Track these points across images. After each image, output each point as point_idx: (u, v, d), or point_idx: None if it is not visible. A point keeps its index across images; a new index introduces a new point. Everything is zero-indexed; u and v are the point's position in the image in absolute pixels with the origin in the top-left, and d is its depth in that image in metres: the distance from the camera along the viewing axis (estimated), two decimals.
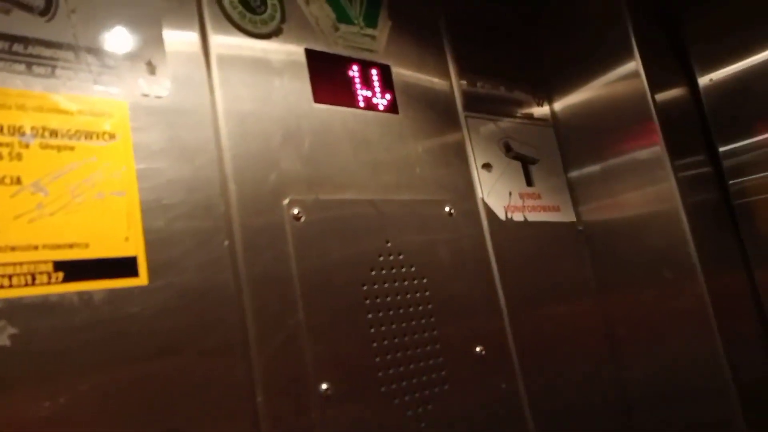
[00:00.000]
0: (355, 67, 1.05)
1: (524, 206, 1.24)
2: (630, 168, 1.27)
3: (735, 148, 1.29)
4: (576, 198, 1.36)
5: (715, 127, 1.32)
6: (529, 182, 1.28)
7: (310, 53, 1.00)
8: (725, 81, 1.31)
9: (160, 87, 0.83)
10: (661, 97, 1.25)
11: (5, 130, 0.71)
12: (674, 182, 1.19)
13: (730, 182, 1.29)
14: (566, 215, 1.32)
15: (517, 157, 1.27)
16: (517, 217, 1.22)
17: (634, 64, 1.25)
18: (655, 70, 1.26)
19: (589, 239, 1.33)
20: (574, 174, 1.37)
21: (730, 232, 1.28)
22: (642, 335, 1.26)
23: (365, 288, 0.95)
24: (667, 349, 1.22)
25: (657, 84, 1.25)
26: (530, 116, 1.35)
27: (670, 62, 1.36)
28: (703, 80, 1.35)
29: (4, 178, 0.69)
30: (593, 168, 1.34)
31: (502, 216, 1.19)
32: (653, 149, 1.22)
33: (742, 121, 1.28)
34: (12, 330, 0.66)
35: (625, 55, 1.27)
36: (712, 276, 1.16)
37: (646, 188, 1.24)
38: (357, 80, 1.05)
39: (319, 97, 0.99)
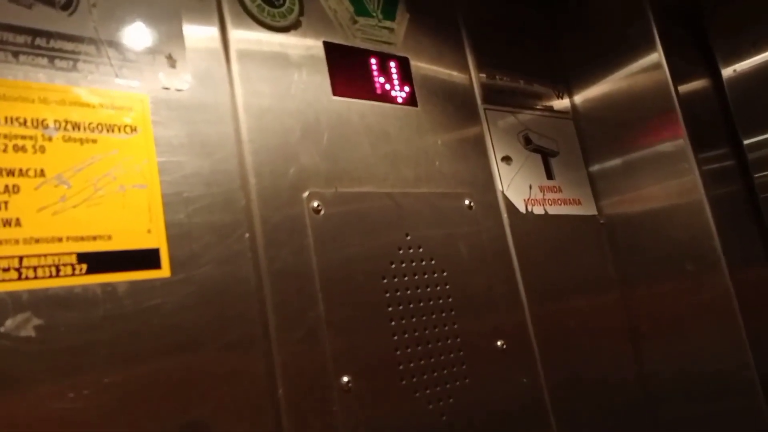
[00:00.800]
0: (373, 60, 1.05)
1: (545, 199, 1.22)
2: (652, 161, 1.25)
3: (760, 140, 1.26)
4: (597, 191, 1.34)
5: (740, 119, 1.29)
6: (550, 175, 1.26)
7: (328, 46, 1.00)
8: (750, 72, 1.28)
9: (180, 80, 0.84)
10: (684, 88, 1.23)
11: (29, 123, 0.71)
12: (698, 175, 1.17)
13: (756, 175, 1.26)
14: (587, 208, 1.30)
15: (537, 149, 1.26)
16: (538, 210, 1.20)
17: (656, 56, 1.23)
18: (678, 62, 1.24)
19: (611, 233, 1.31)
20: (595, 167, 1.35)
21: (754, 225, 1.25)
22: (665, 329, 1.24)
23: (385, 281, 0.94)
24: (691, 343, 1.20)
25: (680, 75, 1.23)
26: (550, 109, 1.34)
27: (692, 54, 1.33)
28: (727, 71, 1.32)
29: (28, 170, 0.70)
30: (614, 161, 1.32)
31: (522, 209, 1.18)
32: (676, 142, 1.20)
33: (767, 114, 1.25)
34: (37, 321, 0.66)
35: (646, 47, 1.25)
36: (736, 269, 1.14)
37: (669, 181, 1.22)
38: (375, 73, 1.04)
39: (337, 90, 0.99)
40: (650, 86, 1.24)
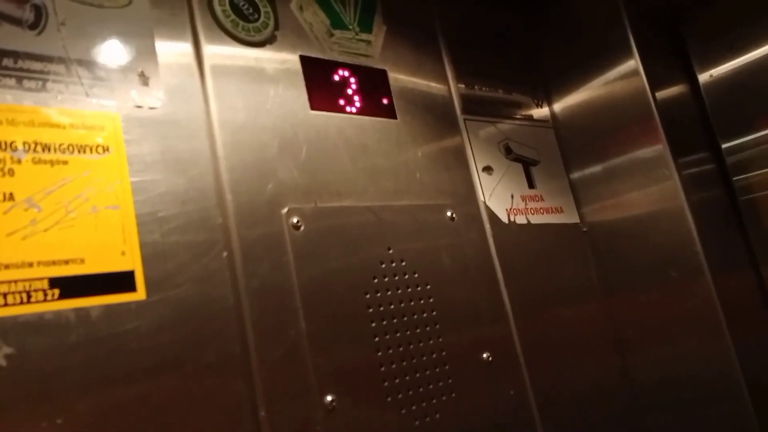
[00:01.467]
0: (350, 73, 1.04)
1: (527, 208, 1.22)
2: (633, 167, 1.25)
3: (738, 144, 1.27)
4: (579, 199, 1.34)
5: (717, 123, 1.30)
6: (531, 184, 1.26)
7: (305, 60, 0.99)
8: (726, 77, 1.30)
9: (153, 98, 0.82)
10: (661, 94, 1.24)
11: None
12: (678, 180, 1.17)
13: (735, 179, 1.27)
14: (570, 216, 1.30)
15: (518, 159, 1.25)
16: (520, 219, 1.20)
17: (633, 63, 1.23)
18: (655, 68, 1.25)
19: (594, 240, 1.31)
20: (576, 175, 1.35)
21: (736, 229, 1.26)
22: (651, 337, 1.24)
23: (368, 296, 0.93)
24: (677, 351, 1.19)
25: (657, 82, 1.24)
26: (530, 118, 1.34)
27: (669, 59, 1.35)
28: (704, 77, 1.34)
29: None
30: (595, 168, 1.32)
31: (504, 219, 1.17)
32: (655, 148, 1.20)
33: (744, 117, 1.26)
34: (7, 350, 0.64)
35: (623, 54, 1.25)
36: (719, 274, 1.14)
37: (650, 187, 1.22)
38: (353, 86, 1.04)
39: (315, 104, 0.98)
40: (628, 93, 1.25)
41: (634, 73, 1.23)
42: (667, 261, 1.19)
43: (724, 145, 1.29)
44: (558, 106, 1.39)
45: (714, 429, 1.15)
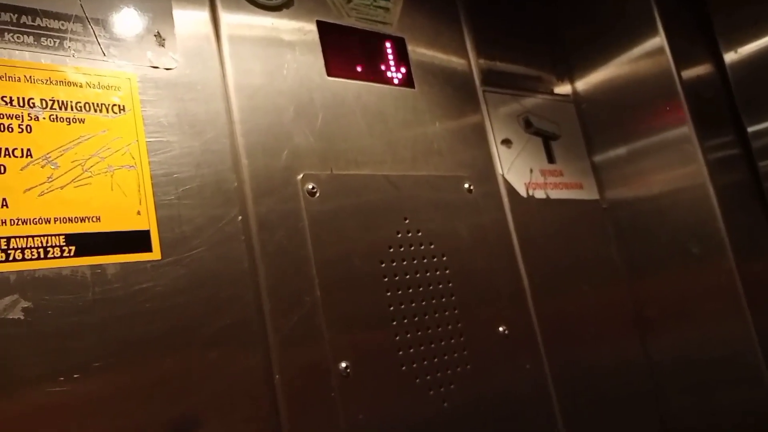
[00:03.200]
0: (368, 40, 1.02)
1: (546, 183, 1.20)
2: (656, 148, 1.22)
3: (764, 128, 1.22)
4: (600, 176, 1.31)
5: (743, 105, 1.25)
6: (551, 159, 1.24)
7: (322, 25, 0.98)
8: (752, 55, 1.25)
9: (169, 59, 0.82)
10: (687, 73, 1.20)
11: (15, 102, 0.69)
12: (703, 163, 1.14)
13: (760, 164, 1.23)
14: (589, 193, 1.28)
15: (538, 132, 1.23)
16: (539, 194, 1.18)
17: (659, 40, 1.20)
18: (681, 45, 1.21)
19: (615, 217, 1.29)
20: (597, 153, 1.33)
21: (760, 214, 1.22)
22: (671, 316, 1.22)
23: (383, 265, 0.92)
24: (698, 330, 1.17)
25: (682, 59, 1.20)
26: (551, 92, 1.32)
27: (695, 35, 1.30)
28: (729, 54, 1.28)
29: (14, 150, 0.68)
30: (618, 147, 1.30)
31: (523, 193, 1.15)
32: (681, 129, 1.17)
33: None
34: (25, 303, 0.64)
35: (648, 30, 1.22)
36: (742, 258, 1.12)
37: (674, 168, 1.20)
38: (371, 53, 1.02)
39: (332, 70, 0.97)
40: (653, 72, 1.22)
41: (659, 51, 1.20)
42: (689, 238, 1.17)
43: (749, 129, 1.24)
44: (580, 84, 1.36)
45: (733, 410, 1.13)
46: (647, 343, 1.24)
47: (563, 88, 1.35)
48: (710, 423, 1.17)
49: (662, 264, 1.23)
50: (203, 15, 0.88)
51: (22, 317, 0.64)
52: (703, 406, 1.18)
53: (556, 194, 1.21)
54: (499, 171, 1.13)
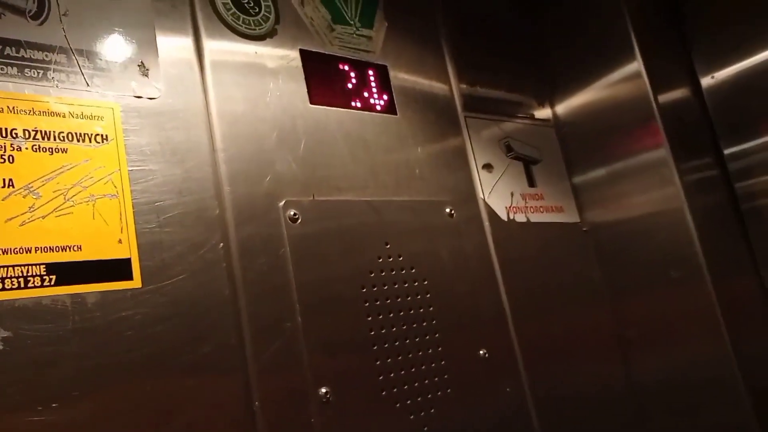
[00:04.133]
0: (351, 68, 1.04)
1: (527, 207, 1.22)
2: (634, 171, 1.25)
3: (740, 150, 1.25)
4: (580, 200, 1.33)
5: (720, 128, 1.28)
6: (531, 183, 1.26)
7: (305, 54, 1.00)
8: (729, 79, 1.28)
9: (152, 89, 0.83)
10: (664, 98, 1.23)
11: None
12: (680, 185, 1.16)
13: (736, 185, 1.25)
14: (570, 216, 1.30)
15: (519, 157, 1.25)
16: (520, 217, 1.20)
17: (636, 65, 1.23)
18: (658, 70, 1.24)
19: (595, 240, 1.31)
20: (577, 176, 1.35)
21: (738, 236, 1.24)
22: (652, 337, 1.23)
23: (364, 290, 0.93)
24: (678, 351, 1.19)
25: (660, 84, 1.23)
26: (531, 117, 1.34)
27: (672, 60, 1.33)
28: (706, 79, 1.31)
29: None
30: (597, 170, 1.32)
31: (504, 217, 1.17)
32: (658, 152, 1.19)
33: (748, 122, 1.24)
34: (4, 333, 0.65)
35: (626, 56, 1.25)
36: (720, 280, 1.13)
37: (652, 191, 1.22)
38: (353, 81, 1.04)
39: (315, 97, 0.98)
40: (631, 96, 1.24)
41: (636, 75, 1.23)
42: (668, 265, 1.18)
43: (726, 151, 1.27)
44: (560, 108, 1.39)
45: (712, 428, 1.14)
46: (629, 365, 1.26)
47: (544, 113, 1.38)
48: None
49: (642, 286, 1.25)
50: (187, 42, 0.90)
51: (0, 347, 0.64)
52: (686, 428, 1.19)
53: (536, 218, 1.23)
54: (481, 195, 1.15)
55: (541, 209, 1.25)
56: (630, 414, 1.23)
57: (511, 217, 1.19)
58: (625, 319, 1.26)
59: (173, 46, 0.87)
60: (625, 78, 1.25)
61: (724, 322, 1.11)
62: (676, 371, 1.19)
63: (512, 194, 1.21)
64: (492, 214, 1.15)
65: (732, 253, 1.23)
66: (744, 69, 1.26)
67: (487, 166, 1.19)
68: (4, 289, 0.66)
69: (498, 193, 1.18)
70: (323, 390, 0.83)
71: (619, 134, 1.27)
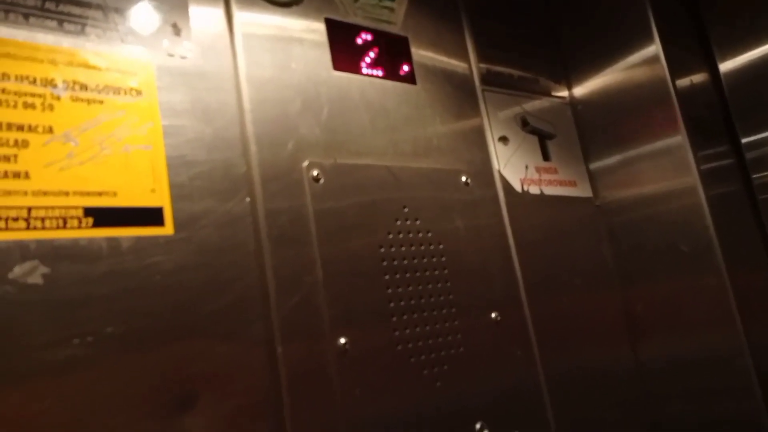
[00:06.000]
0: (373, 37, 1.07)
1: (541, 179, 1.24)
2: (650, 157, 1.25)
3: (758, 139, 1.24)
4: (594, 181, 1.34)
5: (738, 115, 1.27)
6: (546, 157, 1.28)
7: (329, 23, 1.02)
8: (747, 66, 1.27)
9: (184, 48, 0.86)
10: (682, 83, 1.23)
11: (38, 81, 0.74)
12: (696, 174, 1.17)
13: (754, 176, 1.24)
14: (583, 190, 1.32)
15: (534, 131, 1.28)
16: (534, 190, 1.23)
17: (654, 48, 1.23)
18: (676, 53, 1.23)
19: (607, 216, 1.32)
20: (592, 157, 1.35)
21: (754, 227, 1.24)
22: (661, 322, 1.24)
23: (383, 250, 0.96)
24: (688, 335, 1.20)
25: (678, 69, 1.22)
26: (548, 92, 1.36)
27: (690, 45, 1.32)
28: (725, 64, 1.30)
29: (36, 126, 0.72)
30: (612, 153, 1.32)
31: (518, 188, 1.20)
32: (675, 138, 1.20)
33: (766, 110, 1.23)
34: (44, 269, 0.68)
35: (644, 38, 1.24)
36: (734, 268, 1.14)
37: (667, 177, 1.22)
38: (375, 50, 1.07)
39: (338, 65, 1.01)
40: (648, 79, 1.24)
41: (654, 58, 1.23)
42: (680, 240, 1.19)
43: (743, 140, 1.26)
44: (577, 86, 1.39)
45: (724, 420, 1.15)
46: (635, 336, 1.27)
47: (560, 92, 1.39)
48: None
49: (653, 269, 1.25)
50: (218, 11, 0.93)
51: (41, 282, 0.68)
52: (695, 413, 1.19)
53: (550, 191, 1.25)
54: (496, 166, 1.18)
55: (555, 183, 1.27)
56: (637, 380, 1.25)
57: (525, 189, 1.21)
58: (633, 293, 1.27)
59: (204, 8, 0.90)
60: (643, 61, 1.26)
61: (737, 309, 1.12)
62: (686, 353, 1.20)
63: (527, 167, 1.23)
64: (506, 185, 1.18)
65: (747, 245, 1.22)
66: (764, 54, 1.24)
67: (503, 139, 1.21)
68: (44, 228, 0.69)
69: (513, 165, 1.21)
70: (342, 340, 0.87)
71: (635, 117, 1.27)
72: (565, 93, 1.40)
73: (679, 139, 1.19)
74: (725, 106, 1.29)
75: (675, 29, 1.29)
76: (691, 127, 1.19)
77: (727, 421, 1.15)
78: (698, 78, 1.30)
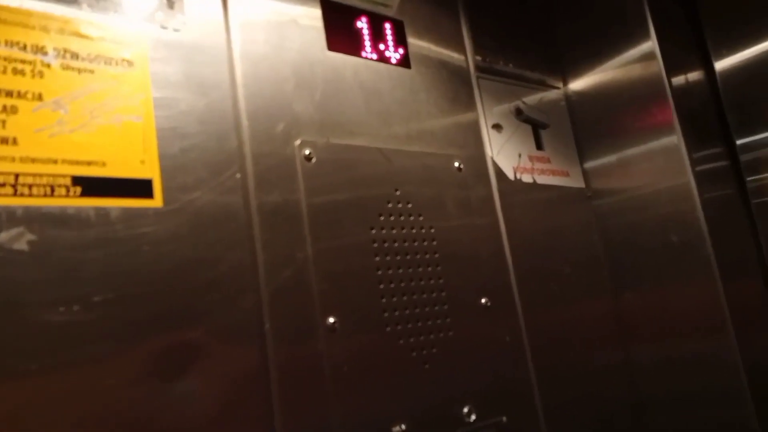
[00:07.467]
0: (369, 20, 1.07)
1: (533, 168, 1.24)
2: (645, 157, 1.24)
3: (753, 141, 1.23)
4: (587, 175, 1.34)
5: (732, 116, 1.26)
6: (539, 146, 1.28)
7: (325, 3, 1.02)
8: (742, 65, 1.26)
9: (177, 21, 0.86)
10: (677, 81, 1.22)
11: (28, 48, 0.73)
12: (691, 175, 1.16)
13: (748, 179, 1.23)
14: (575, 181, 1.33)
15: (528, 120, 1.28)
16: (526, 178, 1.23)
17: (650, 45, 1.22)
18: (672, 51, 1.22)
19: (598, 206, 1.32)
20: (586, 154, 1.35)
21: (747, 231, 1.23)
22: (654, 329, 1.24)
23: (373, 231, 0.96)
24: (681, 345, 1.19)
25: (674, 67, 1.22)
26: (542, 82, 1.36)
27: (686, 43, 1.31)
28: (720, 63, 1.28)
29: (26, 93, 0.71)
30: (606, 148, 1.32)
31: (510, 176, 1.20)
32: (669, 136, 1.19)
33: (761, 111, 1.22)
34: (30, 236, 0.68)
35: (640, 34, 1.24)
36: (728, 275, 1.14)
37: (660, 173, 1.21)
38: (371, 32, 1.06)
39: (332, 45, 1.01)
40: (643, 77, 1.24)
41: (650, 55, 1.22)
42: (671, 230, 1.19)
43: (738, 142, 1.24)
44: (572, 79, 1.38)
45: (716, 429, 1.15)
46: (624, 326, 1.27)
47: (555, 84, 1.39)
48: None
49: (643, 257, 1.25)
50: None
51: (26, 249, 0.67)
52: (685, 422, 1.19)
53: (542, 179, 1.26)
54: (489, 153, 1.18)
55: (547, 172, 1.27)
56: (624, 369, 1.26)
57: (518, 177, 1.21)
58: (622, 281, 1.27)
59: None
60: (638, 58, 1.25)
61: (730, 316, 1.11)
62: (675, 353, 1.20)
63: (520, 155, 1.23)
64: (499, 172, 1.18)
65: (740, 249, 1.21)
66: (759, 54, 1.23)
67: (497, 126, 1.21)
68: (31, 195, 0.69)
69: (506, 152, 1.21)
70: (331, 319, 0.86)
71: (630, 113, 1.26)
72: (560, 85, 1.40)
73: (674, 137, 1.19)
74: (720, 105, 1.28)
75: (671, 26, 1.28)
76: (686, 124, 1.19)
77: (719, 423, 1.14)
78: (694, 76, 1.30)
